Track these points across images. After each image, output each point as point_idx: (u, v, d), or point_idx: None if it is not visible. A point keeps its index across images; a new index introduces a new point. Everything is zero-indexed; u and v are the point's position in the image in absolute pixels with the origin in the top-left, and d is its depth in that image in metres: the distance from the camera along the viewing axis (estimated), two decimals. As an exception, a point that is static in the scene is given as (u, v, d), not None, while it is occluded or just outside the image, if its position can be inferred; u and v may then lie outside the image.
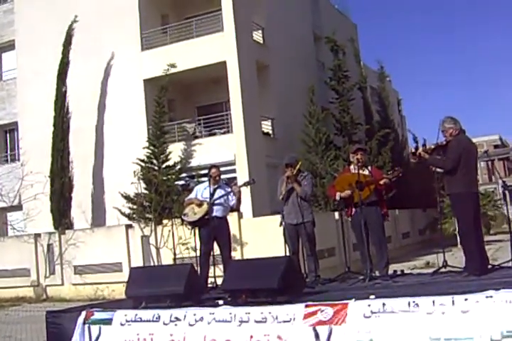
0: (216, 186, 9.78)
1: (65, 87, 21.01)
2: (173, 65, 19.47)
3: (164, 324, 6.74)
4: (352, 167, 8.73)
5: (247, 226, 15.65)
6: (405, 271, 9.30)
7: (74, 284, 17.30)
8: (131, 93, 21.38)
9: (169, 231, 14.91)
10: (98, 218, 21.08)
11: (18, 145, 24.26)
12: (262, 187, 18.45)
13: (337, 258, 15.98)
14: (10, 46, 25.08)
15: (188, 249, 13.89)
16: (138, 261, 16.15)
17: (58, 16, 22.36)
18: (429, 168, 8.14)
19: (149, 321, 6.85)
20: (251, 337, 6.21)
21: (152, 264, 15.87)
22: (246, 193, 18.32)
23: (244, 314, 6.31)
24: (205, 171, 17.54)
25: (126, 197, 18.38)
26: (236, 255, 15.01)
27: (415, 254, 20.16)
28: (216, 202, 9.56)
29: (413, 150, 8.32)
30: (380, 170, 9.08)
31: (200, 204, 9.56)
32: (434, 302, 5.47)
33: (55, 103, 20.88)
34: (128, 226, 17.07)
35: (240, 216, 16.16)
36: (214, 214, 9.50)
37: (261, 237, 14.78)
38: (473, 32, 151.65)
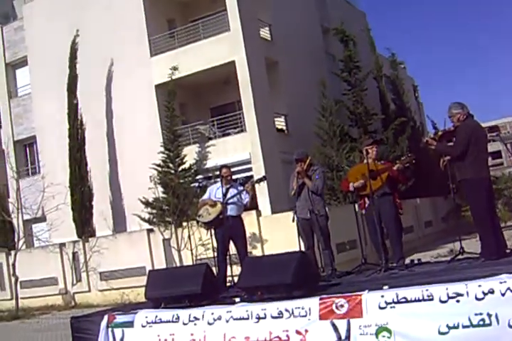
0: (228, 186, 9.83)
1: (76, 100, 21.40)
2: (175, 68, 19.56)
3: (184, 324, 6.84)
4: (367, 159, 8.68)
5: (266, 224, 15.68)
6: (427, 260, 9.25)
7: (100, 290, 17.54)
8: (143, 99, 21.52)
9: (189, 233, 14.97)
10: (119, 224, 21.32)
11: (37, 159, 24.74)
12: (279, 184, 18.44)
13: (358, 250, 15.88)
14: (23, 62, 25.64)
15: (208, 249, 13.97)
16: (161, 264, 16.25)
17: (66, 29, 22.59)
18: (441, 155, 8.02)
19: (169, 322, 6.96)
20: (270, 333, 6.26)
21: (174, 266, 15.94)
22: (263, 190, 18.37)
23: (261, 310, 6.37)
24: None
25: (145, 202, 18.50)
26: (257, 252, 15.08)
27: (438, 243, 20.00)
28: (229, 201, 9.61)
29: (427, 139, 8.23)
30: (392, 162, 9.05)
31: (213, 205, 9.61)
32: (447, 289, 5.45)
33: (68, 115, 21.30)
34: (149, 231, 17.23)
35: (259, 213, 16.20)
36: (228, 213, 9.54)
37: (280, 233, 14.75)
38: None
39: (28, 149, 26.39)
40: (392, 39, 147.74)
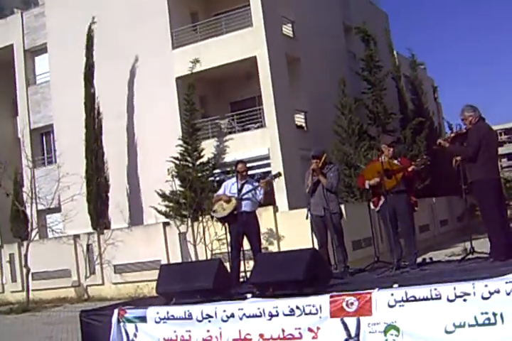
0: (244, 181, 9.85)
1: (93, 89, 21.29)
2: (197, 60, 19.61)
3: (198, 321, 6.88)
4: (382, 157, 8.72)
5: (282, 220, 15.71)
6: (438, 259, 9.29)
7: (114, 283, 17.50)
8: (163, 91, 21.55)
9: (205, 227, 15.05)
10: (135, 217, 21.36)
11: (54, 148, 24.72)
12: (297, 180, 18.39)
13: (374, 248, 15.92)
14: (43, 49, 25.42)
15: (223, 244, 14.01)
16: (176, 258, 16.30)
17: (88, 17, 22.61)
18: (453, 158, 8.12)
19: (183, 319, 6.98)
20: (283, 330, 6.33)
21: (189, 261, 16.00)
22: (281, 186, 18.44)
23: (273, 308, 6.42)
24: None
25: (162, 195, 18.57)
26: (273, 248, 15.12)
27: (454, 241, 19.93)
28: (244, 197, 9.63)
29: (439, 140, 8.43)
30: (409, 160, 9.09)
31: (228, 200, 9.65)
32: (455, 289, 5.50)
33: (85, 104, 21.17)
34: (165, 224, 17.24)
35: (276, 209, 16.23)
36: (243, 209, 9.58)
37: (296, 230, 14.73)
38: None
39: (44, 138, 26.18)
40: (414, 40, 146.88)
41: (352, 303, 5.97)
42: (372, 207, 9.07)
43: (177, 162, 18.94)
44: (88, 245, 18.10)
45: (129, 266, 17.26)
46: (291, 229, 15.19)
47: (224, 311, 6.72)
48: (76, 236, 18.49)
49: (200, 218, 16.29)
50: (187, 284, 7.30)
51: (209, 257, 15.28)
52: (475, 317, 5.35)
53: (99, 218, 20.02)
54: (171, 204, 18.38)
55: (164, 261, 16.47)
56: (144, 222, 20.69)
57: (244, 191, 9.65)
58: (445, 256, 13.70)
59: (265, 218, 14.59)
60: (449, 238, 21.97)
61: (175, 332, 7.04)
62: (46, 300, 17.74)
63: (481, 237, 8.55)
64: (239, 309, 6.63)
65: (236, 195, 9.61)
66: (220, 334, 6.73)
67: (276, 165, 19.06)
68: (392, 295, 5.80)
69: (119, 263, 17.45)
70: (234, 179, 9.98)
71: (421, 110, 26.65)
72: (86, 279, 18.09)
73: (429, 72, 37.88)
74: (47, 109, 24.98)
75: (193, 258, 16.20)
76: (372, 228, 9.30)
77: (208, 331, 6.82)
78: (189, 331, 6.95)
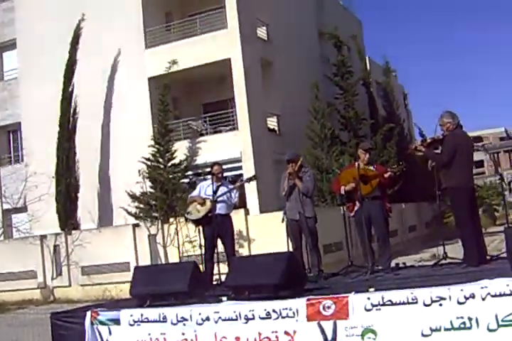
0: (219, 183, 9.80)
1: (72, 87, 21.01)
2: (174, 62, 19.51)
3: (173, 324, 6.80)
4: (358, 162, 8.75)
5: (253, 223, 15.69)
6: (411, 264, 9.36)
7: (82, 285, 17.27)
8: (136, 91, 21.42)
9: (176, 229, 14.95)
10: (105, 218, 21.14)
11: (21, 146, 24.19)
12: (269, 184, 18.47)
13: (344, 252, 15.93)
14: (11, 46, 24.82)
15: (194, 246, 13.95)
16: (145, 260, 16.18)
17: (61, 14, 22.41)
18: (427, 162, 8.21)
19: (157, 321, 6.90)
20: (259, 334, 6.30)
21: (159, 263, 15.89)
22: (252, 189, 18.42)
23: (249, 311, 6.37)
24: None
25: (133, 196, 18.44)
26: (243, 251, 15.08)
27: (422, 247, 20.16)
28: (219, 199, 9.59)
29: (415, 144, 8.55)
30: (384, 167, 9.17)
31: (203, 203, 9.60)
32: (431, 293, 5.55)
33: (61, 103, 20.85)
34: (135, 226, 17.09)
35: (247, 212, 16.21)
36: (217, 211, 9.54)
37: (268, 233, 14.76)
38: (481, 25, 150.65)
39: (11, 136, 25.56)
40: (386, 47, 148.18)
41: (329, 307, 5.96)
42: (346, 211, 9.08)
43: (149, 163, 18.81)
44: (55, 246, 17.82)
45: (97, 267, 17.05)
46: (262, 232, 15.20)
47: (199, 314, 6.65)
48: (43, 237, 18.17)
49: (172, 220, 16.18)
50: (161, 286, 7.22)
51: (180, 259, 15.17)
52: (451, 322, 5.41)
53: (68, 218, 19.73)
54: (141, 205, 18.25)
55: (133, 263, 16.33)
56: (113, 223, 20.51)
57: (219, 193, 9.61)
58: (414, 261, 13.76)
59: (236, 221, 14.45)
60: (416, 244, 22.16)
61: (149, 334, 6.95)
62: (10, 302, 17.32)
63: (448, 243, 8.62)
64: (214, 312, 6.57)
65: (211, 197, 9.56)
66: (196, 337, 6.66)
67: (248, 168, 19.06)
68: (368, 299, 5.81)
69: (86, 264, 17.23)
70: (209, 181, 9.93)
71: (392, 116, 26.96)
72: (52, 281, 17.79)
73: (401, 79, 38.26)
74: (14, 107, 24.36)
75: (163, 261, 16.09)
76: (346, 232, 9.30)
77: (183, 334, 6.74)
78: (164, 334, 6.87)
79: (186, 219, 10.42)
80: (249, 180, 10.22)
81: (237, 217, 15.09)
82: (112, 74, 22.22)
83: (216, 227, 9.39)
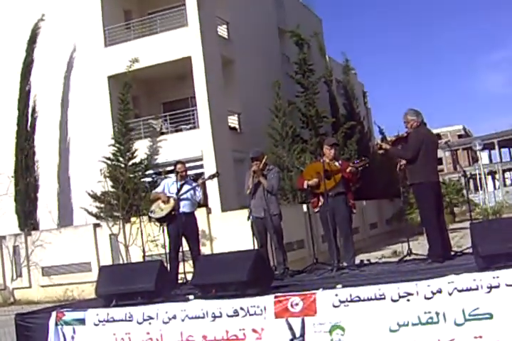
0: (183, 182, 9.77)
1: (29, 86, 20.78)
2: (136, 60, 19.30)
3: (138, 323, 6.75)
4: (324, 158, 8.78)
5: (215, 221, 15.66)
6: (373, 261, 9.44)
7: (42, 286, 17.04)
8: (96, 90, 21.18)
9: (138, 228, 14.81)
10: (65, 218, 20.86)
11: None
12: (230, 182, 18.51)
13: (306, 250, 16.12)
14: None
15: (157, 246, 13.90)
16: (107, 260, 16.02)
17: (18, 12, 22.03)
18: (394, 159, 8.30)
19: (123, 320, 6.85)
20: (227, 331, 6.28)
21: (121, 263, 15.77)
22: (214, 188, 18.39)
23: (216, 309, 6.36)
24: (172, 167, 17.53)
25: (93, 196, 18.25)
26: (206, 250, 15.01)
27: (383, 244, 20.39)
28: (183, 197, 9.55)
29: (379, 142, 8.70)
30: (348, 162, 9.21)
31: (166, 201, 9.55)
32: (398, 289, 5.61)
33: (18, 102, 20.59)
34: (96, 226, 16.92)
35: (209, 211, 16.17)
36: (181, 209, 9.50)
37: (230, 231, 14.82)
38: (437, 24, 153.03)
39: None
40: (346, 44, 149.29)
41: (297, 304, 5.98)
42: (310, 208, 9.11)
43: (109, 162, 18.61)
44: (15, 246, 17.54)
45: (57, 268, 16.85)
46: (224, 231, 15.21)
47: (166, 312, 6.62)
48: (2, 238, 17.89)
49: (133, 219, 16.06)
50: (128, 286, 7.14)
51: (142, 259, 15.06)
52: (418, 317, 5.47)
53: (27, 219, 19.45)
54: (102, 205, 18.05)
55: (94, 263, 16.27)
56: (73, 223, 20.25)
57: (183, 191, 9.56)
58: (376, 258, 13.92)
59: (198, 219, 14.47)
60: (378, 241, 22.40)
61: (114, 334, 6.89)
62: (-31, 304, 17.02)
63: (410, 240, 8.74)
64: (181, 310, 6.54)
65: (175, 195, 9.51)
66: (161, 336, 6.62)
67: (210, 167, 18.99)
68: (336, 295, 5.84)
69: (47, 265, 17.01)
70: (173, 178, 9.89)
71: (352, 114, 27.18)
72: (12, 282, 17.50)
73: (359, 77, 38.56)
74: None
75: (125, 260, 15.97)
76: (311, 230, 9.35)
77: (148, 333, 6.70)
78: (128, 333, 6.82)
79: (150, 218, 10.35)
80: (212, 177, 10.20)
81: (199, 216, 14.90)
82: (70, 72, 21.96)
83: (181, 226, 9.36)
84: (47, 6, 21.97)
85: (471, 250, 6.89)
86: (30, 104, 20.66)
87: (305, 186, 8.69)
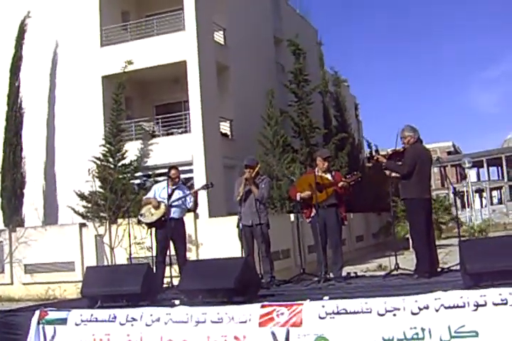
0: (175, 187, 9.78)
1: (18, 82, 20.71)
2: (130, 62, 19.34)
3: (121, 324, 6.70)
4: (317, 170, 8.81)
5: (202, 227, 15.59)
6: (358, 274, 9.45)
7: (24, 283, 16.77)
8: (89, 89, 21.13)
9: (124, 230, 14.75)
10: (51, 216, 20.74)
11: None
12: (219, 188, 18.40)
13: (292, 259, 16.09)
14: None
15: (142, 248, 13.82)
16: (91, 261, 15.87)
17: (9, 9, 21.99)
18: (385, 173, 8.35)
19: (105, 321, 6.79)
20: (208, 337, 6.23)
21: (106, 264, 15.69)
22: (202, 194, 18.28)
23: (201, 314, 6.32)
24: (161, 170, 17.65)
25: (81, 196, 18.17)
26: (191, 255, 14.96)
27: (368, 257, 20.37)
28: (174, 204, 9.55)
29: (369, 155, 8.71)
30: (342, 175, 9.22)
31: (157, 206, 9.55)
32: (385, 303, 5.61)
33: (7, 97, 20.54)
34: (82, 225, 16.77)
35: (196, 216, 16.13)
36: (171, 215, 9.52)
37: (216, 238, 14.76)
38: (433, 38, 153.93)
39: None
40: (339, 58, 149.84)
41: (282, 313, 5.96)
42: (301, 219, 9.13)
43: (98, 162, 18.56)
44: (-2, 242, 17.36)
45: (40, 266, 16.60)
46: (210, 237, 15.14)
47: (151, 315, 6.58)
48: (-15, 233, 17.64)
49: (120, 221, 15.99)
50: (114, 288, 7.14)
51: (127, 261, 15.01)
52: (404, 332, 5.46)
53: (12, 215, 19.29)
54: (89, 205, 17.97)
55: (78, 263, 16.13)
56: (58, 221, 20.16)
57: (174, 197, 9.59)
58: (361, 271, 13.92)
59: (185, 224, 14.50)
60: (363, 254, 22.40)
61: (93, 335, 6.83)
62: (-51, 300, 16.82)
63: (396, 254, 8.74)
64: (166, 314, 6.51)
65: (165, 201, 9.50)
66: (141, 339, 6.56)
67: (199, 172, 19.01)
68: (323, 307, 5.83)
69: (30, 262, 16.76)
70: (165, 183, 9.88)
71: (344, 126, 27.25)
72: (-7, 278, 17.31)
73: (352, 89, 38.80)
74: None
75: (110, 262, 15.88)
76: (298, 240, 9.36)
77: (128, 335, 6.64)
78: (108, 334, 6.77)
79: (139, 221, 10.33)
80: (206, 187, 10.21)
81: (186, 221, 14.98)
82: (63, 70, 21.87)
83: (169, 231, 9.36)
84: (41, 2, 21.98)
85: (458, 267, 6.92)
86: (19, 100, 20.61)
87: (298, 198, 8.71)
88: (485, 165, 63.69)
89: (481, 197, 64.75)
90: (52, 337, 7.07)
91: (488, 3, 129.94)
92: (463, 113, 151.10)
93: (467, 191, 39.90)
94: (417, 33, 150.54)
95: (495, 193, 67.27)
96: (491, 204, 61.68)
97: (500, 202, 65.01)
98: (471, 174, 57.28)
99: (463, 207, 46.38)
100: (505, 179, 62.20)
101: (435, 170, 61.54)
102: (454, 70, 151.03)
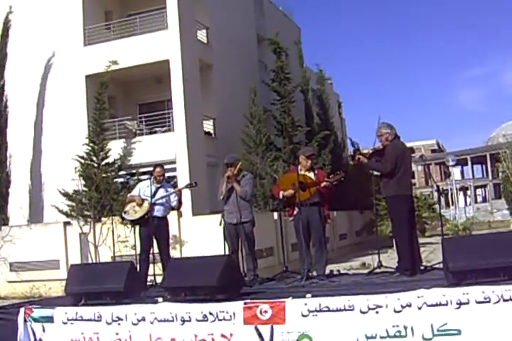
0: (159, 185, 9.82)
1: (3, 81, 20.57)
2: (115, 62, 19.32)
3: (107, 323, 6.75)
4: (300, 168, 8.82)
5: (186, 225, 15.68)
6: (341, 272, 9.52)
7: (9, 281, 16.88)
8: (72, 88, 21.08)
9: (108, 229, 14.80)
10: (35, 214, 20.74)
11: None
12: (202, 187, 18.43)
13: (275, 257, 16.19)
14: None
15: (126, 246, 13.89)
16: (75, 259, 15.95)
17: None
18: (368, 171, 8.40)
19: (92, 320, 6.83)
20: (195, 336, 6.29)
21: (90, 262, 15.73)
22: (186, 192, 18.26)
23: (185, 313, 6.37)
24: (145, 169, 17.68)
25: (65, 194, 18.14)
26: (175, 253, 15.02)
27: (352, 255, 20.51)
28: (158, 202, 9.60)
29: (352, 154, 8.75)
30: (325, 173, 9.22)
31: (141, 204, 9.59)
32: (368, 301, 5.66)
33: (-8, 95, 20.40)
34: (66, 224, 16.86)
35: (180, 215, 16.17)
36: (155, 213, 9.57)
37: (200, 236, 14.85)
38: (417, 36, 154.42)
39: None
40: (323, 55, 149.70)
41: (266, 311, 6.02)
42: (284, 217, 9.18)
43: (82, 161, 18.53)
44: (-16, 241, 17.34)
45: (25, 264, 16.71)
46: (194, 235, 15.25)
47: (135, 314, 6.62)
48: (-30, 232, 17.61)
49: (104, 219, 16.02)
50: (97, 285, 7.19)
51: (111, 259, 15.06)
52: (386, 330, 5.51)
53: (-2, 214, 19.24)
54: (73, 203, 17.95)
55: (63, 261, 16.22)
56: (43, 220, 20.16)
57: (158, 196, 9.64)
58: (344, 269, 14.01)
59: (169, 222, 14.56)
60: (347, 252, 22.50)
61: (82, 333, 6.88)
62: None
63: (376, 253, 8.82)
64: (151, 313, 6.55)
65: (149, 199, 9.54)
66: (130, 337, 6.62)
67: (183, 171, 19.03)
68: (305, 304, 5.88)
69: (15, 260, 16.87)
70: (149, 181, 9.91)
71: (326, 124, 27.30)
72: (-21, 276, 17.28)
73: (335, 87, 38.88)
74: None
75: (94, 260, 15.93)
76: (281, 238, 9.43)
77: (117, 334, 6.70)
78: (97, 333, 6.81)
79: (123, 219, 10.37)
80: (190, 186, 10.23)
81: (170, 219, 15.03)
82: (48, 69, 21.80)
83: (152, 229, 9.40)
84: (23, 1, 21.91)
85: (441, 265, 6.97)
86: (3, 99, 20.46)
87: (280, 196, 8.75)
88: (469, 163, 63.71)
89: (465, 195, 64.98)
90: (42, 334, 7.12)
91: (472, 4, 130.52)
92: (447, 111, 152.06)
93: (451, 189, 40.08)
94: (402, 32, 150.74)
95: (479, 191, 67.39)
96: (476, 202, 61.94)
97: (484, 200, 65.08)
98: (455, 172, 57.67)
99: (447, 205, 46.56)
100: (490, 177, 62.57)
101: (419, 168, 61.88)
102: (439, 68, 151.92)
